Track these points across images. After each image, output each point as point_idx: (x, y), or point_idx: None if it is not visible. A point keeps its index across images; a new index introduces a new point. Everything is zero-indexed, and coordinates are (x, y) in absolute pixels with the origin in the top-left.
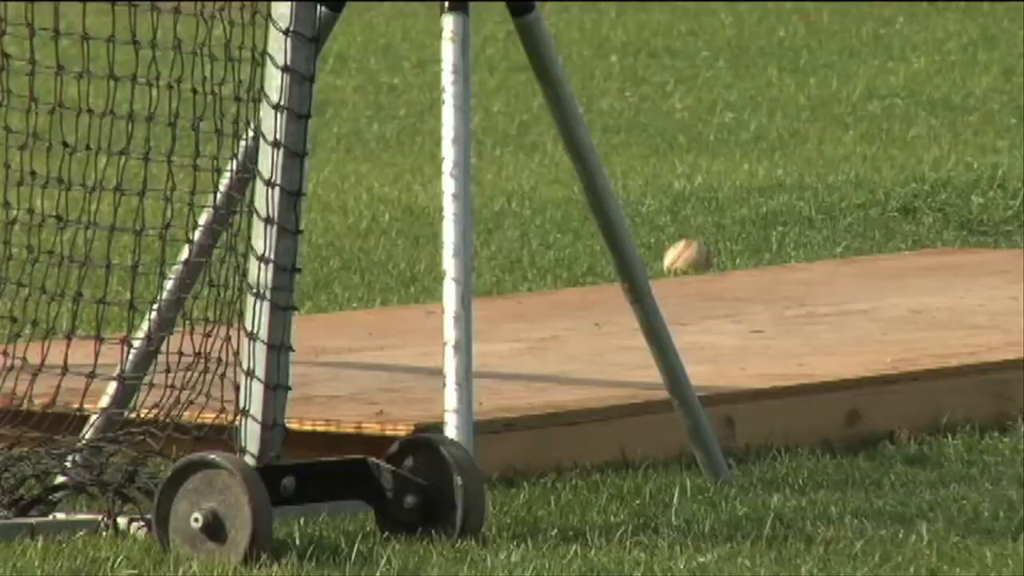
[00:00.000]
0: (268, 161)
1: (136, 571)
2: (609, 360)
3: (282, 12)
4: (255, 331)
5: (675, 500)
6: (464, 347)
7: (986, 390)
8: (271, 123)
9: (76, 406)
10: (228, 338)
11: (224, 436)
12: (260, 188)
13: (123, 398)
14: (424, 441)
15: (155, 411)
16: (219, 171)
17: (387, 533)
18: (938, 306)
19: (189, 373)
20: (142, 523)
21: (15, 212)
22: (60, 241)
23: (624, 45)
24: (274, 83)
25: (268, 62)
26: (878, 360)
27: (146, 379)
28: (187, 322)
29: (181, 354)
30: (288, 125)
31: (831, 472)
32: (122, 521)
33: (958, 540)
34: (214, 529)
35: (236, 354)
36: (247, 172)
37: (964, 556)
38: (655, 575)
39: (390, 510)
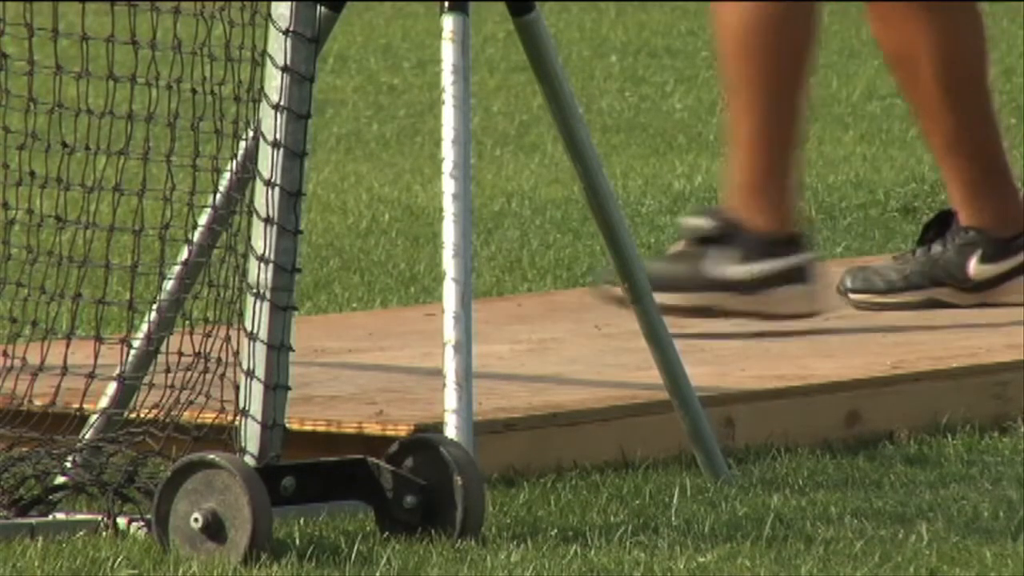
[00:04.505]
0: (268, 161)
1: (136, 571)
2: (609, 361)
3: (282, 12)
4: (255, 331)
5: (675, 500)
6: (464, 347)
7: (986, 391)
8: (271, 123)
9: (76, 406)
10: (228, 338)
11: (224, 436)
12: (260, 188)
13: (123, 398)
14: (424, 441)
15: (155, 411)
16: (219, 171)
17: (387, 533)
18: (938, 307)
19: (189, 373)
20: (142, 523)
21: (14, 212)
22: (59, 241)
23: (624, 45)
24: (274, 83)
25: (268, 62)
26: (878, 362)
27: (146, 379)
28: (187, 322)
29: (181, 354)
30: (288, 125)
31: (831, 472)
32: (122, 521)
33: (958, 540)
34: (214, 529)
35: (236, 354)
36: (247, 172)
37: (964, 556)
38: (655, 575)
39: (390, 510)
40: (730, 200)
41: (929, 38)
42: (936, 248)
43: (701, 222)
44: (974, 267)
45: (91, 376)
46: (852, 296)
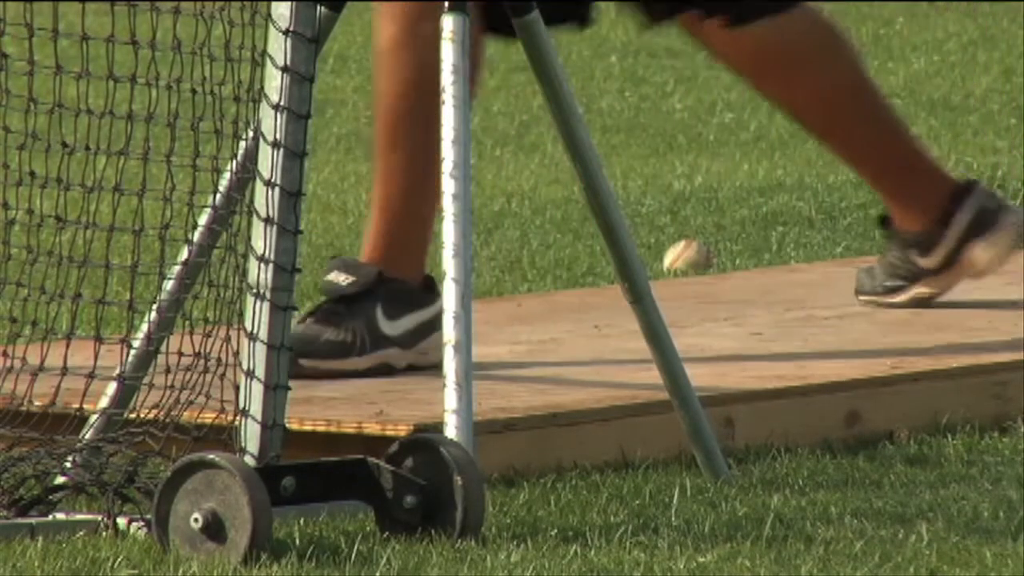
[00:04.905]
0: (268, 161)
1: (136, 571)
2: (608, 361)
3: (282, 12)
4: (255, 331)
5: (675, 500)
6: (464, 347)
7: (986, 391)
8: (271, 123)
9: (76, 406)
10: (228, 338)
11: (224, 436)
12: (260, 188)
13: (123, 398)
14: (424, 441)
15: (155, 411)
16: (219, 171)
17: (387, 533)
18: (938, 308)
19: (189, 374)
20: (142, 523)
21: (14, 212)
22: (59, 241)
23: (624, 45)
24: (274, 83)
25: (268, 62)
26: (878, 362)
27: (146, 379)
28: (187, 322)
29: (181, 354)
30: (288, 125)
31: (831, 472)
32: (122, 521)
33: (958, 540)
34: (214, 529)
35: (236, 354)
36: (247, 172)
37: (964, 556)
38: (655, 575)
39: (390, 510)
40: (370, 254)
41: (787, 92)
42: (891, 251)
43: (340, 279)
44: (921, 260)
45: (91, 376)
46: (859, 297)
